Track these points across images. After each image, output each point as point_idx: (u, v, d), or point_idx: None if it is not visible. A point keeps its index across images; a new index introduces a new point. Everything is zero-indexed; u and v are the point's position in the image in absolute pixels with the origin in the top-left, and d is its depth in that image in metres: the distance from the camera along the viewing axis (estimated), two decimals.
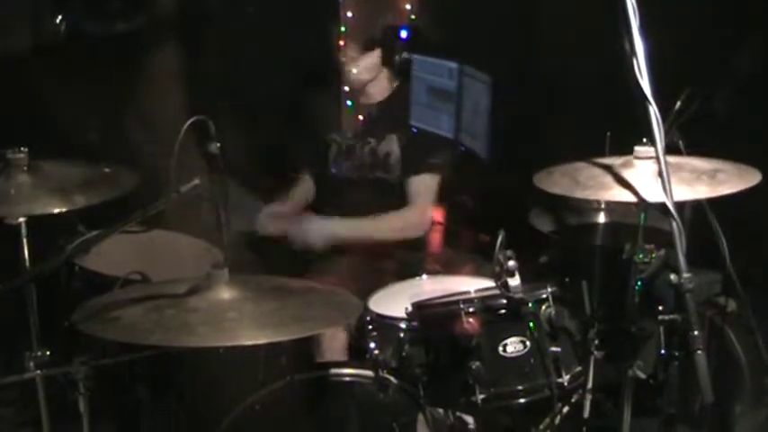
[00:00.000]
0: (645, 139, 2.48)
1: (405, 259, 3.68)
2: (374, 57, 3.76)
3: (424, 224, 3.70)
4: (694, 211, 3.03)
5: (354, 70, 3.77)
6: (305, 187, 4.01)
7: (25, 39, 3.26)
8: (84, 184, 2.62)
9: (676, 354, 2.39)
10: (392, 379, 2.74)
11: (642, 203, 2.39)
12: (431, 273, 3.38)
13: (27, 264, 2.57)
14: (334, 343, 3.31)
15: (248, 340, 2.20)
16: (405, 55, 3.75)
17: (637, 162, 2.56)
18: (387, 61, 3.77)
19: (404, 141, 3.72)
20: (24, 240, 2.54)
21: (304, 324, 2.33)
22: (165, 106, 3.41)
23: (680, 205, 2.26)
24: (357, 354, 3.08)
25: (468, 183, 3.95)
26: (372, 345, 2.84)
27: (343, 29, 4.05)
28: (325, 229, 3.64)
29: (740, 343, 3.40)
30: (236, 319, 2.27)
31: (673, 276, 2.08)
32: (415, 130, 3.75)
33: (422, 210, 3.69)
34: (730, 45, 3.54)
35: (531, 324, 2.58)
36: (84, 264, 2.98)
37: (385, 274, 3.49)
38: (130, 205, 2.50)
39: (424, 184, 3.70)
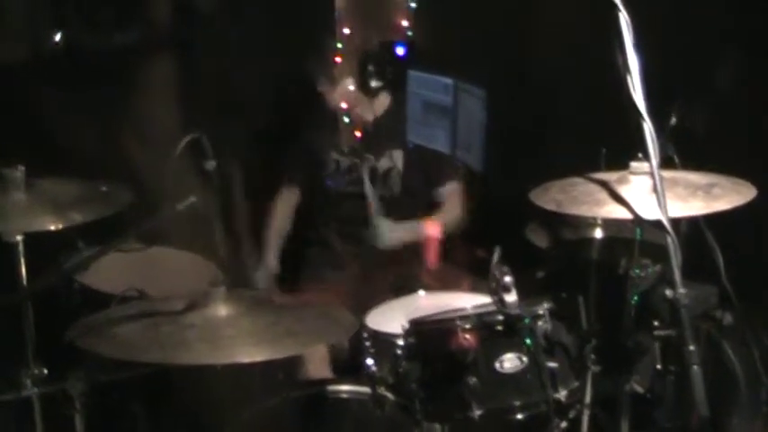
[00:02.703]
0: (640, 155, 2.49)
1: (402, 274, 3.69)
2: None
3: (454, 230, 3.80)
4: (690, 225, 3.04)
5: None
6: (289, 200, 4.02)
7: (23, 53, 3.27)
8: (80, 201, 2.62)
9: (672, 368, 2.39)
10: (389, 395, 2.74)
11: (637, 220, 2.39)
12: (428, 288, 3.39)
13: (24, 281, 2.57)
14: (320, 359, 3.33)
15: (245, 357, 2.21)
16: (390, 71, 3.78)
17: (632, 177, 2.57)
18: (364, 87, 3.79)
19: (412, 156, 3.76)
20: (22, 258, 2.54)
21: (300, 340, 2.34)
22: (161, 121, 3.43)
23: (676, 220, 2.27)
24: (354, 370, 3.07)
25: (465, 198, 3.96)
26: (370, 361, 2.85)
27: (339, 45, 4.07)
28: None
29: (736, 356, 3.40)
30: (233, 335, 2.27)
31: (668, 291, 2.08)
32: (411, 146, 3.77)
33: (452, 215, 3.82)
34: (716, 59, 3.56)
35: (528, 340, 2.59)
36: (84, 280, 2.99)
37: (382, 290, 3.50)
38: (129, 222, 2.50)
39: (453, 192, 3.85)
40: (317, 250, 3.96)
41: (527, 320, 2.58)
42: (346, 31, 4.30)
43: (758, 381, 3.30)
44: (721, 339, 3.39)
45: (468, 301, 2.82)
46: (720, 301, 3.36)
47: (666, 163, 2.91)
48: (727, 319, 3.37)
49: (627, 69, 2.24)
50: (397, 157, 3.81)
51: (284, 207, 4.02)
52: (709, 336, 3.41)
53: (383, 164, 3.80)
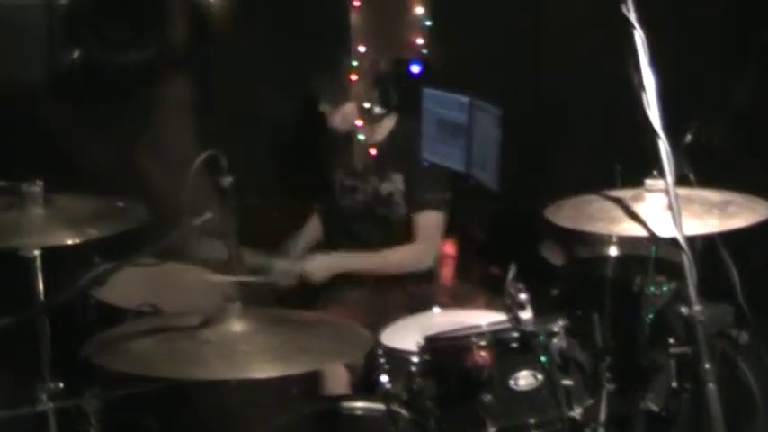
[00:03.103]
0: (655, 172, 2.49)
1: (416, 292, 3.70)
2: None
3: (429, 260, 3.76)
4: (705, 243, 3.03)
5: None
6: (313, 227, 4.05)
7: (41, 72, 3.30)
8: (97, 216, 2.64)
9: (687, 386, 2.39)
10: (403, 411, 2.74)
11: (653, 237, 2.39)
12: (443, 306, 3.39)
13: (41, 296, 2.59)
14: (337, 374, 3.34)
15: (260, 373, 2.21)
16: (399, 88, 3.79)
17: (647, 195, 2.57)
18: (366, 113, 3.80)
19: (410, 179, 3.76)
20: (39, 273, 2.56)
21: (314, 356, 2.34)
22: (176, 137, 3.45)
23: (691, 238, 2.27)
24: (368, 387, 3.07)
25: (480, 216, 3.97)
26: (384, 378, 2.85)
27: (354, 63, 4.08)
28: (330, 263, 3.72)
29: (752, 374, 3.38)
30: (248, 351, 2.28)
31: (683, 309, 2.08)
32: (426, 164, 3.77)
33: (427, 245, 3.73)
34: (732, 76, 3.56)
35: (543, 357, 2.58)
36: (99, 296, 3.00)
37: (396, 307, 3.50)
38: (145, 238, 2.51)
39: (429, 221, 3.75)
40: None
41: (542, 338, 2.58)
42: (361, 48, 4.32)
43: None
44: (737, 358, 3.37)
45: (483, 318, 2.82)
46: (736, 319, 3.35)
47: (682, 181, 2.92)
48: (743, 337, 3.36)
49: (642, 87, 2.24)
50: (399, 181, 3.81)
51: (310, 236, 4.04)
52: (725, 354, 3.40)
53: (385, 188, 3.81)
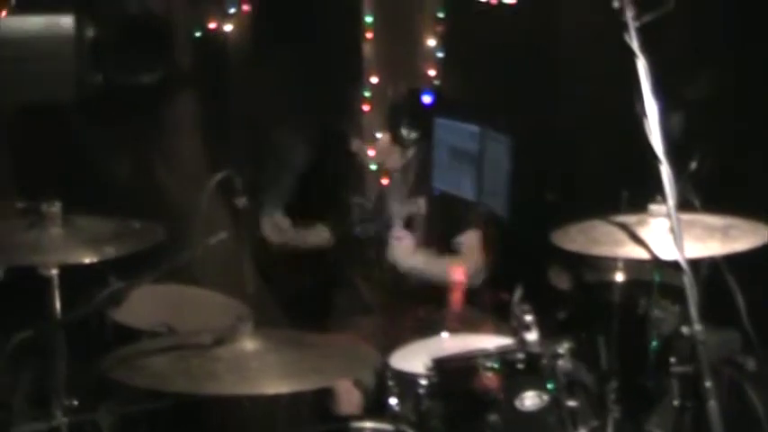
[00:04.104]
0: (659, 197, 2.54)
1: (425, 317, 3.73)
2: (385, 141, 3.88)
3: (476, 277, 3.80)
4: (711, 268, 3.08)
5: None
6: (320, 234, 4.08)
7: (70, 93, 3.47)
8: (114, 237, 2.71)
9: (689, 405, 2.42)
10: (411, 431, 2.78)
11: (655, 260, 2.44)
12: (451, 331, 3.42)
13: (58, 314, 2.65)
14: (351, 397, 3.37)
15: (271, 389, 2.26)
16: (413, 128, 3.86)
17: (651, 219, 2.63)
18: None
19: (435, 203, 3.82)
20: (56, 291, 2.62)
21: (325, 374, 2.39)
22: (188, 151, 3.60)
23: (695, 262, 2.32)
24: (379, 409, 3.11)
25: (490, 242, 4.01)
26: (393, 401, 2.89)
27: (367, 93, 4.16)
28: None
29: (760, 401, 3.40)
30: (259, 368, 2.33)
31: (685, 329, 2.12)
32: (437, 192, 3.83)
33: (470, 264, 3.79)
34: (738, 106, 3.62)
35: (549, 378, 2.62)
36: (116, 317, 3.06)
37: (406, 333, 3.53)
38: (161, 258, 2.57)
39: (471, 241, 3.81)
40: (344, 296, 4.01)
41: (548, 359, 2.61)
42: (374, 80, 4.40)
43: None
44: (744, 384, 3.40)
45: (491, 342, 2.84)
46: (744, 345, 3.38)
47: (686, 207, 2.97)
48: (750, 363, 3.39)
49: (644, 113, 2.30)
50: (421, 204, 3.87)
51: (315, 239, 4.08)
52: (732, 381, 3.42)
53: (406, 210, 3.86)
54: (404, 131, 3.83)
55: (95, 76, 3.61)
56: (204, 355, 2.37)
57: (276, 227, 3.91)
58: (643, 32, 2.33)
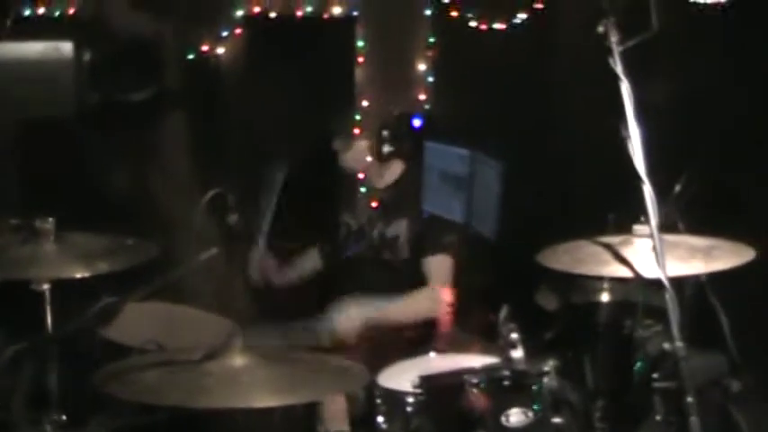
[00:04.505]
0: (642, 218, 2.59)
1: (414, 339, 3.76)
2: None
3: (441, 304, 3.79)
4: (696, 289, 3.12)
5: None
6: (311, 259, 4.11)
7: (71, 110, 3.65)
8: (107, 252, 2.74)
9: (673, 420, 2.46)
10: None
11: (639, 278, 2.48)
12: (439, 352, 3.45)
13: (50, 329, 2.68)
14: (340, 415, 3.39)
15: (261, 402, 2.29)
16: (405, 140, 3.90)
17: (635, 240, 2.67)
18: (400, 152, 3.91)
19: (416, 225, 3.84)
20: (48, 306, 2.65)
21: (314, 389, 2.42)
22: (183, 175, 3.72)
23: (680, 284, 2.35)
24: (368, 428, 3.14)
25: (479, 265, 4.04)
26: (381, 419, 2.93)
27: (358, 117, 4.20)
28: (361, 316, 3.69)
29: (746, 422, 3.43)
30: (249, 382, 2.36)
31: (666, 345, 2.16)
32: (426, 215, 3.86)
33: (439, 290, 3.80)
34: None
35: (535, 395, 2.65)
36: (106, 334, 3.09)
37: (394, 354, 3.56)
38: (153, 275, 2.61)
39: (439, 265, 3.80)
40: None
41: (534, 377, 2.64)
42: (365, 103, 4.45)
43: None
44: (729, 406, 3.43)
45: (478, 362, 2.88)
46: (731, 368, 3.41)
47: (672, 229, 3.02)
48: (735, 385, 3.42)
49: (627, 135, 2.35)
50: (402, 227, 3.88)
51: (306, 266, 4.10)
52: (718, 403, 3.45)
53: (391, 231, 3.89)
54: (385, 146, 3.86)
55: (93, 95, 3.76)
56: (195, 370, 2.41)
57: (263, 269, 3.93)
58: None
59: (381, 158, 3.87)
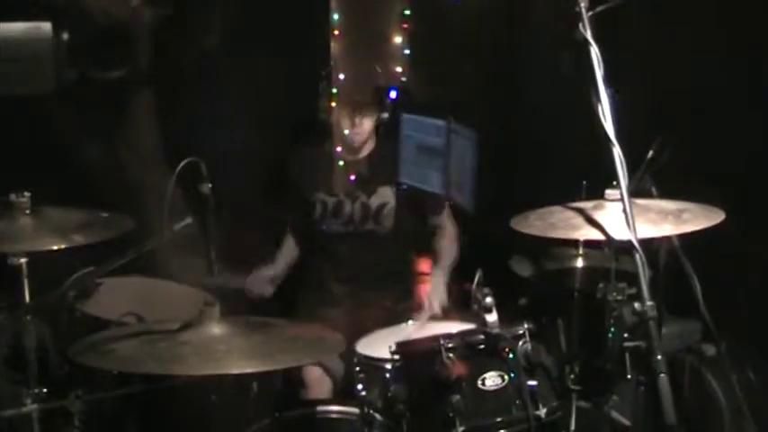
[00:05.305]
0: (615, 183, 2.61)
1: (392, 309, 3.78)
2: (370, 121, 3.93)
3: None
4: (672, 259, 3.15)
5: (355, 136, 3.92)
6: (289, 250, 4.12)
7: (50, 87, 3.79)
8: (82, 226, 2.75)
9: (642, 378, 2.49)
10: (377, 415, 2.83)
11: (610, 241, 2.51)
12: (417, 321, 3.48)
13: (27, 301, 2.70)
14: (322, 386, 3.42)
15: (236, 369, 2.32)
16: (384, 115, 3.92)
17: (607, 204, 2.70)
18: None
19: (400, 192, 3.88)
20: (25, 279, 2.67)
21: (290, 356, 2.45)
22: (156, 146, 3.78)
23: (654, 250, 2.38)
24: (349, 395, 3.17)
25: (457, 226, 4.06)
26: (360, 386, 2.96)
27: (334, 90, 4.20)
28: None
29: (720, 387, 3.48)
30: (225, 350, 2.38)
31: (636, 305, 2.19)
32: (404, 186, 3.88)
33: (455, 238, 3.91)
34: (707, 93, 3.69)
35: (509, 358, 2.68)
36: (86, 309, 3.10)
37: (373, 325, 3.58)
38: (128, 244, 2.63)
39: (446, 217, 3.93)
40: (311, 291, 4.05)
41: (508, 340, 2.67)
42: (341, 76, 4.44)
43: (741, 412, 3.39)
44: (704, 371, 3.48)
45: (455, 329, 2.91)
46: (704, 335, 3.46)
47: (645, 195, 3.05)
48: (710, 351, 3.47)
49: (598, 99, 2.37)
50: (389, 194, 3.91)
51: (285, 259, 4.12)
52: (693, 368, 3.50)
53: (375, 201, 3.91)
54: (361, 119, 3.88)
55: (71, 72, 3.94)
56: (172, 340, 2.43)
57: (258, 285, 3.92)
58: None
59: (358, 130, 3.89)
